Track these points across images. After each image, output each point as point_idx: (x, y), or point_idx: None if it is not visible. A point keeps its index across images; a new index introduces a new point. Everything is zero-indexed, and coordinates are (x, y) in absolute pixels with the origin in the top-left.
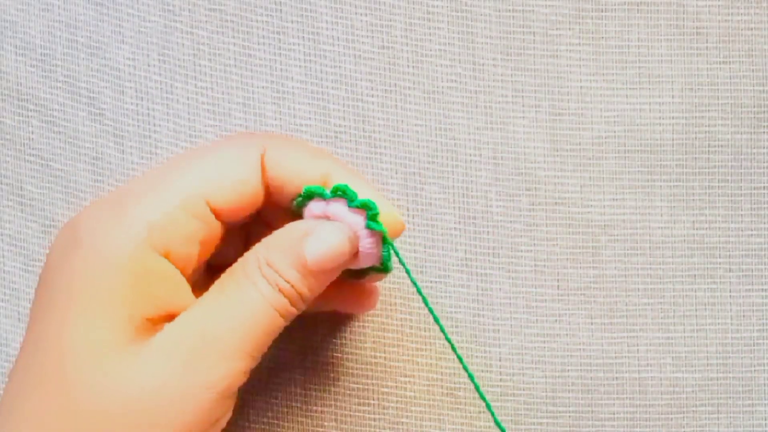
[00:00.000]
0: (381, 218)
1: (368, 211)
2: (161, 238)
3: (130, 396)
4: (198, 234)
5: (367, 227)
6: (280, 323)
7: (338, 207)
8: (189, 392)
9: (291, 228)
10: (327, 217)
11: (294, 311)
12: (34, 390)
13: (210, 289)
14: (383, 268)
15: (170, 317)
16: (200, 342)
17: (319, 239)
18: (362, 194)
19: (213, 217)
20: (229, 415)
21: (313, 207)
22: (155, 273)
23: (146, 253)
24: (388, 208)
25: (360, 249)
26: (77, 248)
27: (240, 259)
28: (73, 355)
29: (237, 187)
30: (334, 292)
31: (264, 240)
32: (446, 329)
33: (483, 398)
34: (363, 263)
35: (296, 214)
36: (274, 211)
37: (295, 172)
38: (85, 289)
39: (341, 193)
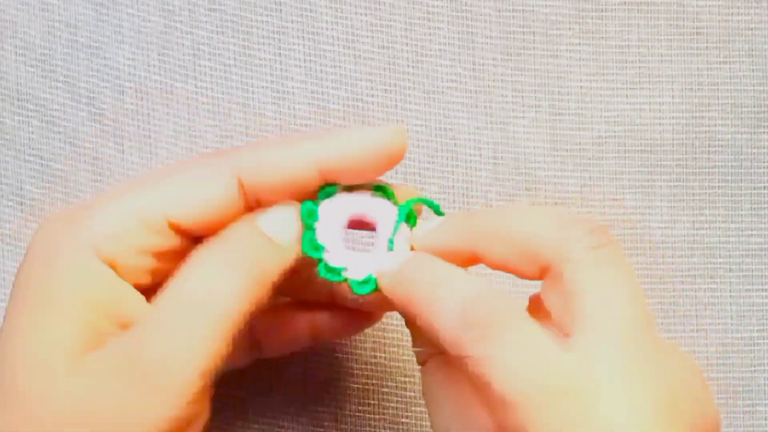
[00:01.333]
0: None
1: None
2: (108, 247)
3: (77, 410)
4: (150, 246)
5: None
6: (245, 308)
7: (365, 197)
8: (131, 416)
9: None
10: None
11: (263, 292)
12: None
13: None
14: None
15: (121, 328)
16: (135, 364)
17: (271, 211)
18: (354, 142)
19: (171, 231)
20: (205, 415)
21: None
22: (99, 281)
23: (90, 261)
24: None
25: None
26: (29, 259)
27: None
28: (22, 366)
29: (201, 204)
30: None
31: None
32: None
33: None
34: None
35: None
36: None
37: (276, 165)
38: (34, 298)
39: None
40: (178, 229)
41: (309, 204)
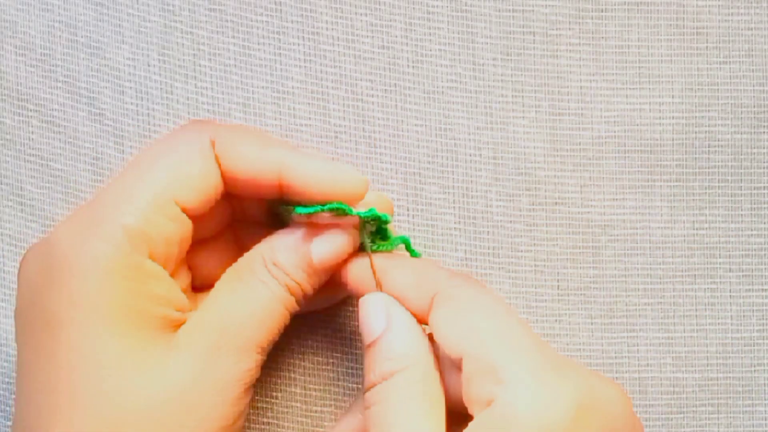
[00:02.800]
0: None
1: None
2: (141, 241)
3: (165, 394)
4: (175, 234)
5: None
6: (287, 318)
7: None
8: (220, 383)
9: (295, 231)
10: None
11: (297, 308)
12: (66, 408)
13: (216, 286)
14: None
15: (173, 316)
16: (220, 337)
17: (326, 240)
18: (325, 170)
19: (185, 216)
20: (247, 411)
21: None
22: (144, 272)
23: (130, 254)
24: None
25: None
26: (60, 267)
27: (244, 259)
28: (98, 367)
29: (201, 183)
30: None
31: (267, 240)
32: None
33: None
34: None
35: (277, 210)
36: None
37: (246, 162)
38: (83, 303)
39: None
40: (186, 212)
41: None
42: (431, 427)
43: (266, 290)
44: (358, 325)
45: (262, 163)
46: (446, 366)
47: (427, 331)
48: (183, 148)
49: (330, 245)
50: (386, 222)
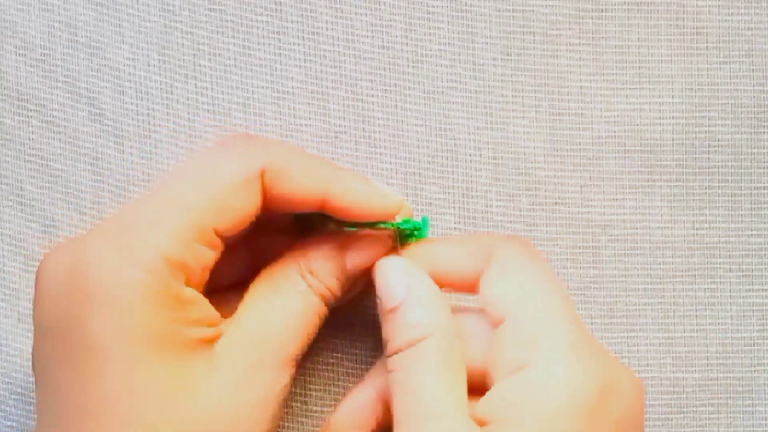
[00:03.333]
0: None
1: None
2: (179, 268)
3: (208, 415)
4: (210, 261)
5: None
6: (319, 327)
7: None
8: (262, 399)
9: (330, 239)
10: None
11: (327, 314)
12: None
13: (250, 296)
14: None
15: (210, 335)
16: (259, 353)
17: (362, 250)
18: (366, 194)
19: (220, 241)
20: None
21: None
22: (182, 300)
23: (168, 282)
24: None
25: None
26: (98, 293)
27: (278, 268)
28: (143, 395)
29: (242, 213)
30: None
31: (302, 248)
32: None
33: None
34: None
35: (306, 216)
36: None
37: (294, 191)
38: (126, 332)
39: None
40: (222, 236)
41: None
42: (455, 394)
43: (303, 301)
44: (358, 325)
45: (309, 191)
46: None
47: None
48: (230, 175)
49: (366, 255)
50: (420, 230)
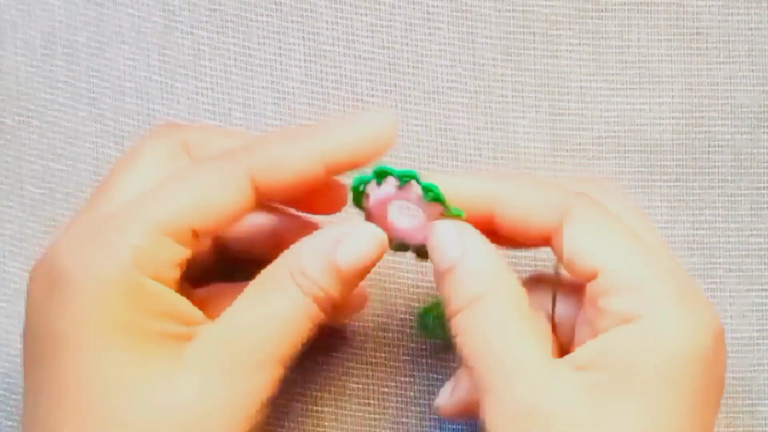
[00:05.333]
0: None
1: (444, 205)
2: (147, 263)
3: (172, 410)
4: (181, 257)
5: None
6: (312, 331)
7: (413, 196)
8: (231, 402)
9: (321, 235)
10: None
11: (324, 318)
12: (73, 425)
13: (239, 298)
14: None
15: (177, 330)
16: (235, 353)
17: (352, 246)
18: (352, 133)
19: (195, 240)
20: (263, 423)
21: (387, 187)
22: (144, 290)
23: (131, 273)
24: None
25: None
26: (63, 284)
27: (268, 269)
28: (103, 384)
29: (222, 210)
30: None
31: (293, 248)
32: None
33: None
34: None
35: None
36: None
37: (294, 176)
38: (84, 321)
39: (410, 178)
40: (197, 235)
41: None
42: (537, 339)
43: (287, 303)
44: (358, 325)
45: (302, 159)
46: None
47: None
48: (209, 174)
49: (357, 251)
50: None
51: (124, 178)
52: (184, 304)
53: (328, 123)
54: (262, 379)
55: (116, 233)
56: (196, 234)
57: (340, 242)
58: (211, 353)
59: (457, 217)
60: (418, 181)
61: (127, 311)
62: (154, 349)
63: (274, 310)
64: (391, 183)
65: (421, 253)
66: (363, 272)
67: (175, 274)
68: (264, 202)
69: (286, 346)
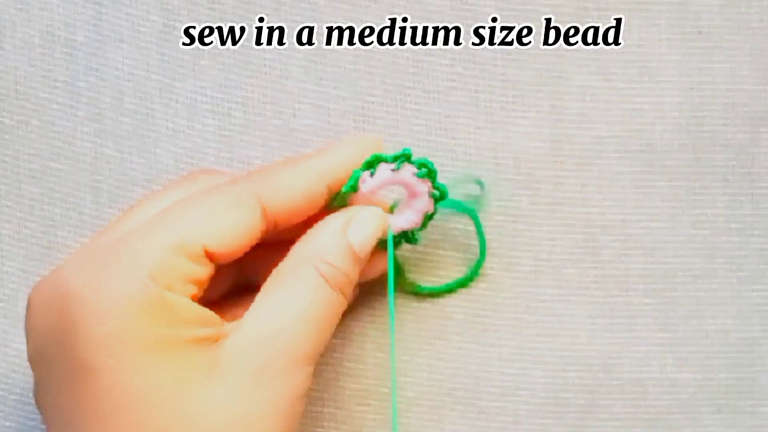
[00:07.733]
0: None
1: (433, 180)
2: (162, 278)
3: (215, 420)
4: (195, 275)
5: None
6: (338, 320)
7: (407, 175)
8: (268, 404)
9: (329, 224)
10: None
11: (346, 305)
12: None
13: (261, 296)
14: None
15: (206, 334)
16: (265, 357)
17: (361, 225)
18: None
19: (207, 260)
20: (302, 415)
21: (382, 173)
22: (165, 302)
23: (149, 287)
24: None
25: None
26: (79, 311)
27: (286, 263)
28: (143, 402)
29: (231, 231)
30: None
31: (305, 238)
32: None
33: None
34: (408, 227)
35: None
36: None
37: (300, 195)
38: (110, 343)
39: (404, 159)
40: (212, 257)
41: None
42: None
43: (315, 296)
44: (358, 325)
45: (306, 182)
46: None
47: None
48: (220, 197)
49: (367, 229)
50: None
51: (135, 209)
52: (204, 309)
53: (324, 147)
54: (299, 377)
55: (128, 253)
56: (209, 255)
57: (348, 225)
58: (244, 359)
59: (441, 190)
60: (410, 161)
61: (154, 325)
62: (189, 357)
63: (300, 306)
64: (385, 168)
65: (399, 240)
66: (370, 251)
67: (191, 290)
68: (273, 230)
69: (314, 341)
